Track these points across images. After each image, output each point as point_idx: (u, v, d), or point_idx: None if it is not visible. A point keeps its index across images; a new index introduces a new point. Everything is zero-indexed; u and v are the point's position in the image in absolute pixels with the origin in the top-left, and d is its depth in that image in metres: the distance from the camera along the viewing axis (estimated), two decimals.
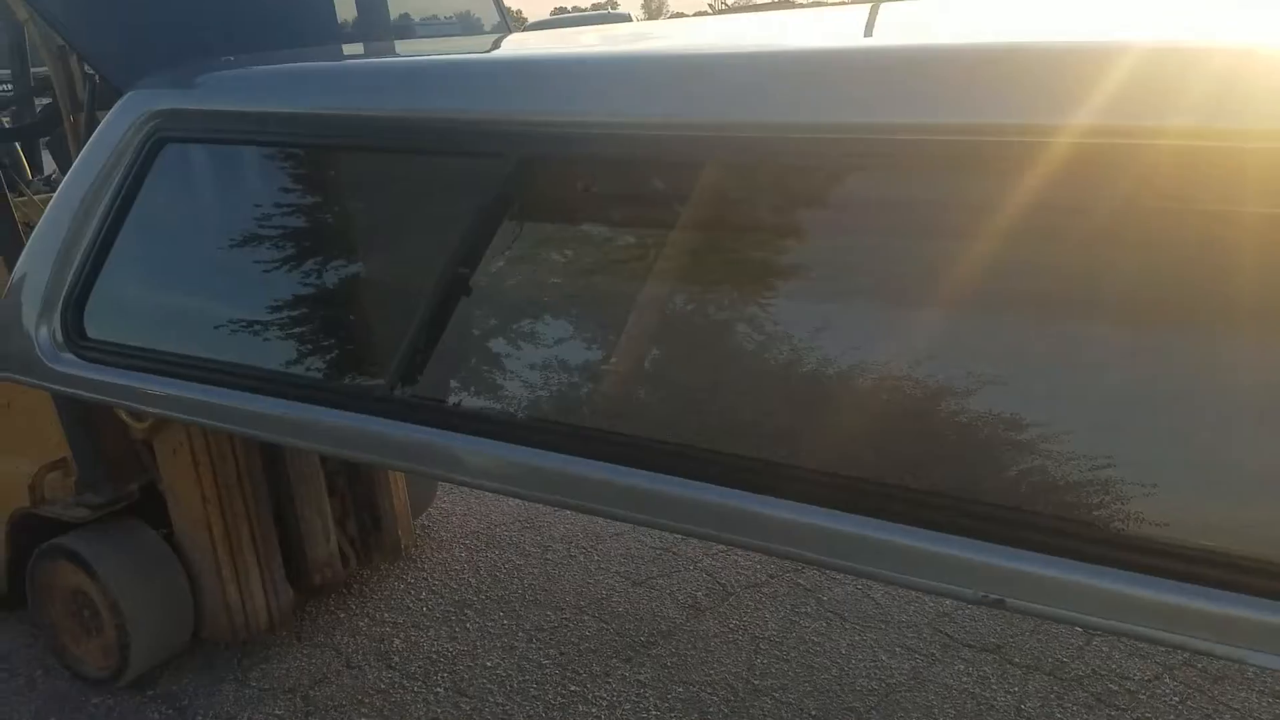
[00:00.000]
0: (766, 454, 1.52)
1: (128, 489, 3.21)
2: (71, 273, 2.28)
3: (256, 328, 2.09)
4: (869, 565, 1.41)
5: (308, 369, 1.99)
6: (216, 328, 2.11)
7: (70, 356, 2.28)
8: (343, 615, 3.55)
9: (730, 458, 1.53)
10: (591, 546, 3.90)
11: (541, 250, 1.84)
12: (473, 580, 3.74)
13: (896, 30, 1.92)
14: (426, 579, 3.77)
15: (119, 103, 2.29)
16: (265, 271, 2.09)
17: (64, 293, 2.29)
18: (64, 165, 3.60)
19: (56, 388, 2.31)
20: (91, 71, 2.60)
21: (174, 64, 2.30)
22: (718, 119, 1.57)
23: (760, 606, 3.42)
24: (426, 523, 4.15)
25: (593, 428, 1.67)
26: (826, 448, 1.49)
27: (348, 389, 1.93)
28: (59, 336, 2.29)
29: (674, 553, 3.80)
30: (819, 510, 1.43)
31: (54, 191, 3.94)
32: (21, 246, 2.98)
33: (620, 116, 1.64)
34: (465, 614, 3.53)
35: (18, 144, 4.17)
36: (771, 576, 3.59)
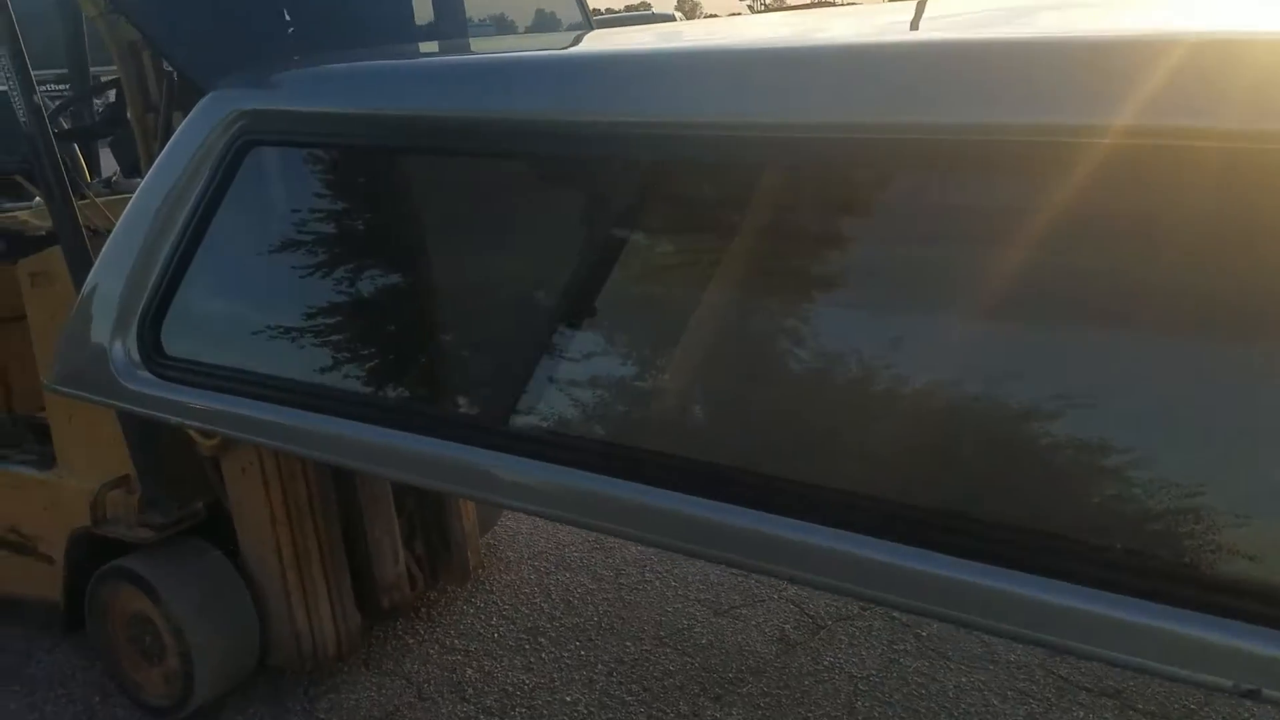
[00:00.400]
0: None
1: (193, 508, 3.06)
2: (149, 285, 2.11)
3: (356, 349, 1.92)
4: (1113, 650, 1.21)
5: (422, 397, 1.81)
6: (312, 347, 1.94)
7: (147, 375, 2.11)
8: (411, 641, 3.39)
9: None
10: (667, 571, 3.71)
11: (684, 268, 1.65)
12: (544, 606, 3.56)
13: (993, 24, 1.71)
14: (496, 603, 3.59)
15: (201, 103, 2.13)
16: (365, 288, 1.92)
17: (141, 306, 2.12)
18: (128, 167, 3.46)
19: (132, 408, 2.15)
20: (169, 69, 2.44)
21: (260, 62, 2.14)
22: (901, 120, 1.38)
23: (855, 642, 3.22)
24: (492, 541, 3.98)
25: (761, 473, 1.48)
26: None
27: (464, 419, 1.74)
28: (135, 353, 2.13)
29: (755, 580, 3.60)
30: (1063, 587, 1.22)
31: (115, 194, 3.84)
32: (87, 251, 2.85)
33: (808, 118, 1.44)
34: (539, 642, 3.35)
35: (75, 145, 4.05)
36: (864, 609, 3.38)
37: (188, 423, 2.12)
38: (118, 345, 2.14)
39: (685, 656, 3.22)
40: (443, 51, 2.27)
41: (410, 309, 1.87)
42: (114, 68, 2.88)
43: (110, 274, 2.19)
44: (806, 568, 1.42)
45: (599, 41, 2.40)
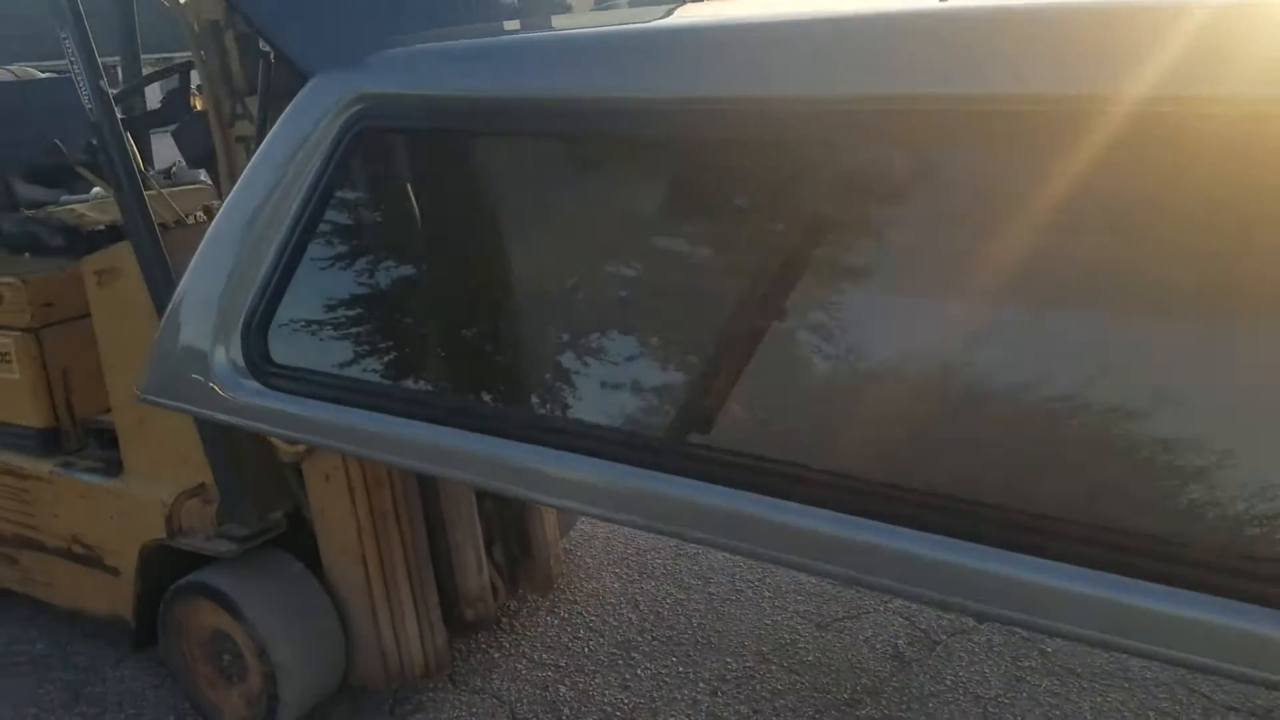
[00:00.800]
0: None
1: (274, 518, 2.88)
2: (254, 287, 1.92)
3: (504, 355, 1.72)
4: None
5: (579, 411, 1.61)
6: (450, 354, 1.75)
7: (254, 385, 1.93)
8: (497, 656, 3.20)
9: None
10: (759, 580, 3.52)
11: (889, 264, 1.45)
12: (633, 617, 3.37)
13: None
14: (581, 613, 3.41)
15: (309, 86, 1.93)
16: (507, 288, 1.72)
17: (245, 310, 1.93)
18: (195, 157, 3.26)
19: (238, 420, 1.96)
20: (266, 50, 2.24)
21: (372, 40, 1.94)
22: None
23: (975, 659, 3.02)
24: (569, 545, 3.80)
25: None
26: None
27: (626, 438, 1.55)
28: (240, 361, 1.94)
29: (856, 591, 3.41)
30: None
31: (176, 185, 3.65)
32: (159, 246, 2.66)
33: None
34: (633, 658, 3.16)
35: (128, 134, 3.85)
36: (978, 623, 3.19)
37: (303, 438, 1.92)
38: (220, 353, 1.95)
39: (793, 674, 3.03)
40: (588, 26, 2.05)
41: (567, 314, 1.67)
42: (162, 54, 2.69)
43: (208, 275, 2.00)
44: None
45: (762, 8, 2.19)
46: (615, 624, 3.34)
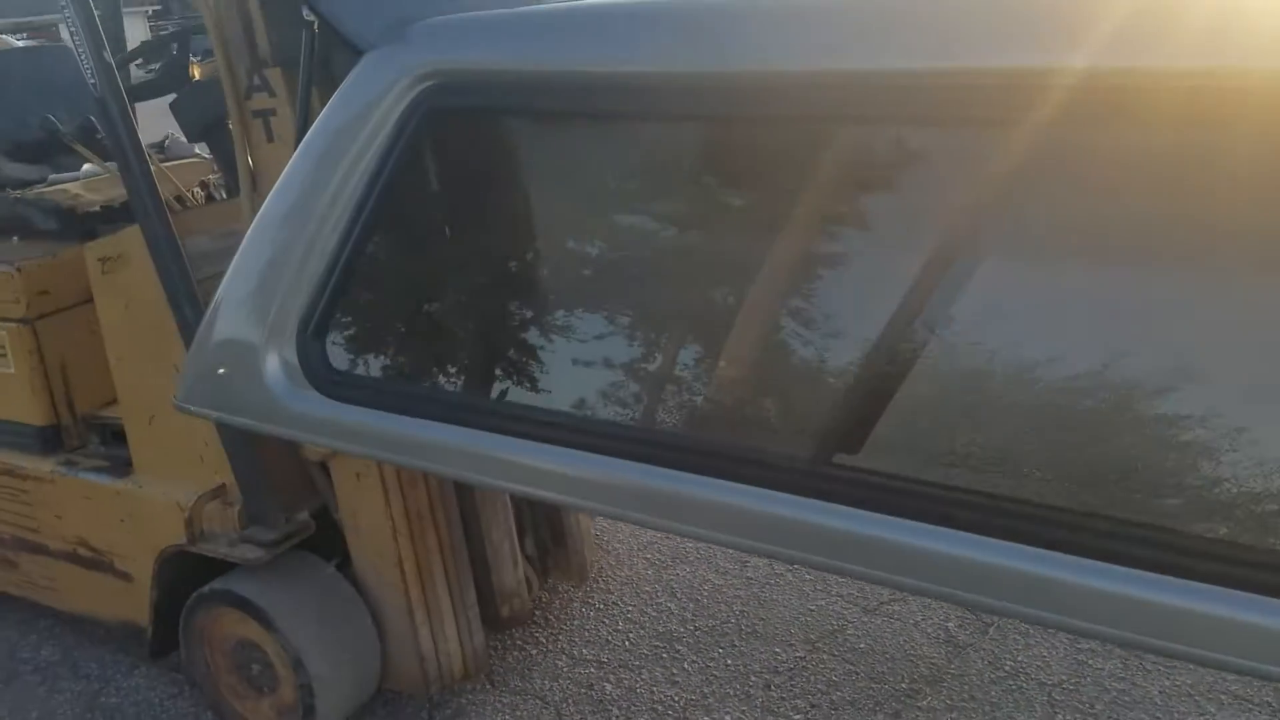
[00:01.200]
0: None
1: (302, 521, 2.71)
2: (312, 285, 1.74)
3: (596, 363, 1.55)
4: None
5: (697, 427, 1.46)
6: (542, 360, 1.58)
7: (314, 395, 1.75)
8: (535, 652, 3.07)
9: None
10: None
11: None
12: (672, 606, 3.25)
13: None
14: (617, 603, 3.28)
15: (365, 61, 1.74)
16: (601, 285, 1.55)
17: (301, 311, 1.75)
18: (195, 130, 3.03)
19: (298, 434, 1.80)
20: (310, 18, 2.03)
21: (434, 8, 1.74)
22: None
23: (1031, 642, 2.93)
24: (595, 530, 3.66)
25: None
26: None
27: (758, 458, 1.40)
28: (297, 368, 1.76)
29: None
30: None
31: (170, 160, 3.42)
32: (171, 229, 2.45)
33: None
34: (678, 650, 3.04)
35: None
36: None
37: (376, 454, 1.75)
38: (273, 359, 1.77)
39: (846, 663, 2.92)
40: None
41: (697, 320, 1.50)
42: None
43: (255, 272, 1.81)
44: None
45: None
46: (654, 614, 3.21)
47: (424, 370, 1.69)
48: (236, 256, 1.84)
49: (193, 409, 1.90)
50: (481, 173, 1.71)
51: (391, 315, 1.75)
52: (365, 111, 1.71)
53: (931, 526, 1.29)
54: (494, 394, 1.64)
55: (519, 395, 1.59)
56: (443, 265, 1.73)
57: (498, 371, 1.63)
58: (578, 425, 1.49)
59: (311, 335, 1.75)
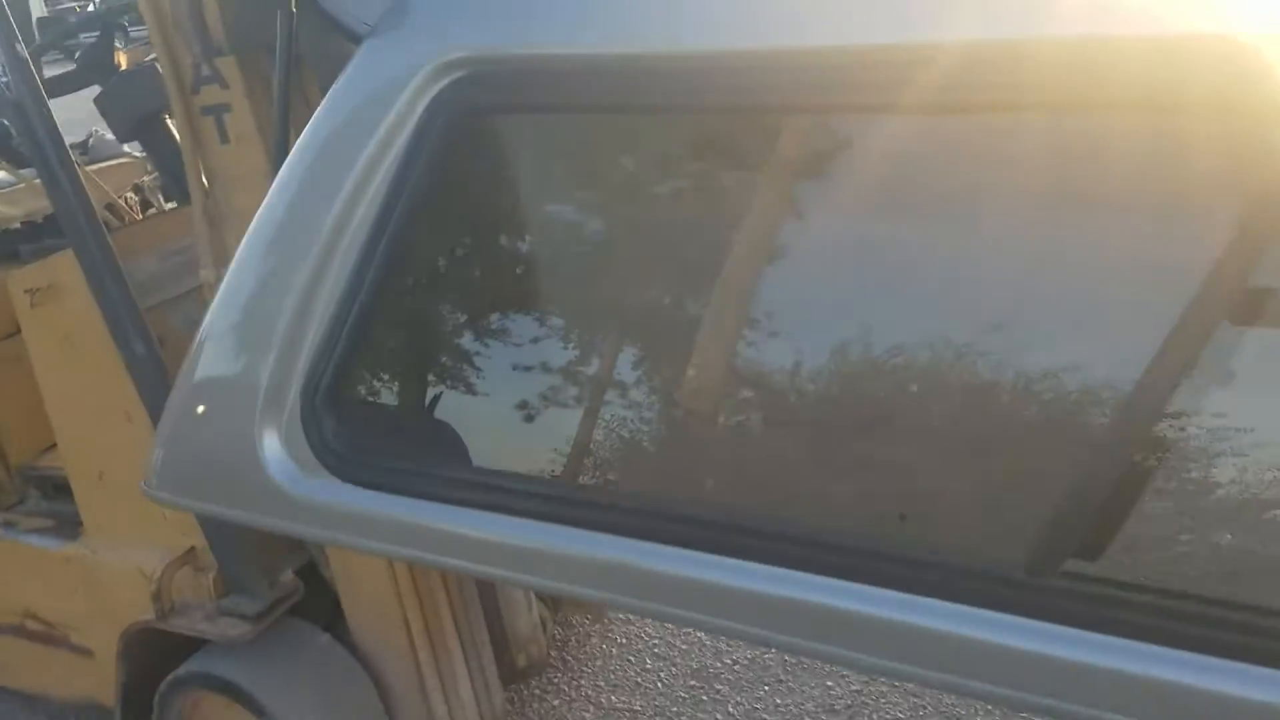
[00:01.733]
0: None
1: (287, 583, 2.33)
2: (314, 341, 1.36)
3: (733, 441, 1.20)
4: None
5: (843, 523, 1.12)
6: (644, 427, 1.22)
7: (328, 479, 1.37)
8: (557, 703, 2.74)
9: None
10: None
11: None
12: (702, 638, 2.93)
13: None
14: (640, 636, 2.95)
15: (365, 49, 1.35)
16: (718, 344, 1.19)
17: (303, 373, 1.37)
18: (125, 128, 2.59)
19: (314, 531, 1.42)
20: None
21: None
22: None
23: None
24: None
25: None
26: None
27: (935, 567, 1.06)
28: (303, 447, 1.38)
29: None
30: None
31: (96, 164, 2.97)
32: (110, 250, 2.06)
33: None
34: (718, 690, 2.73)
35: None
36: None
37: (417, 556, 1.37)
38: (271, 436, 1.39)
39: (910, 695, 2.63)
40: None
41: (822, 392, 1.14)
42: None
43: (240, 322, 1.42)
44: None
45: None
46: (684, 648, 2.89)
47: (484, 447, 1.32)
48: (216, 299, 1.45)
49: (169, 500, 1.51)
50: (529, 187, 1.33)
51: (431, 368, 1.38)
52: (371, 115, 1.32)
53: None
54: (594, 478, 1.27)
55: (632, 482, 1.23)
56: (482, 310, 1.35)
57: (598, 441, 1.25)
58: (699, 520, 1.14)
59: (322, 401, 1.37)
